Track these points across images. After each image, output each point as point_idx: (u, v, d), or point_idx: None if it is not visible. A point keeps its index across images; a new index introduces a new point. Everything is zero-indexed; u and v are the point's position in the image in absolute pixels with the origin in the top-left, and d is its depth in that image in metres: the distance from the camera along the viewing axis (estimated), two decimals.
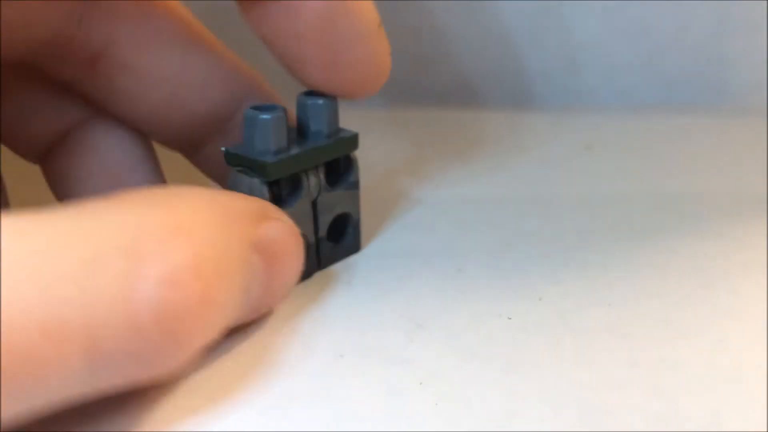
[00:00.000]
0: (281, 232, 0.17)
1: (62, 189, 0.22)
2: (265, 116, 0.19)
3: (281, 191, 0.20)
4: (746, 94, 0.34)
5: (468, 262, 0.21)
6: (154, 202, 0.15)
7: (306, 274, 0.20)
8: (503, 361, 0.17)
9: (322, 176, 0.20)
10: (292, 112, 0.21)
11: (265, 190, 0.19)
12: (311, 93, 0.20)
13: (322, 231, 0.21)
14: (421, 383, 0.16)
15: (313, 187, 0.20)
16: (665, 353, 0.17)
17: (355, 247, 0.22)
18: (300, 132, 0.20)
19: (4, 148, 0.22)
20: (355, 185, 0.22)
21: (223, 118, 0.21)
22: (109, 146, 0.21)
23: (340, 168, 0.21)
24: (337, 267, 0.22)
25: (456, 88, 0.36)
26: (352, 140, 0.21)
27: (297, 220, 0.19)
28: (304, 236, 0.19)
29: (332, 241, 0.22)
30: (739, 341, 0.18)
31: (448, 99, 0.36)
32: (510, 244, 0.23)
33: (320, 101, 0.20)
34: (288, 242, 0.17)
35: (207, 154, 0.22)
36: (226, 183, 0.20)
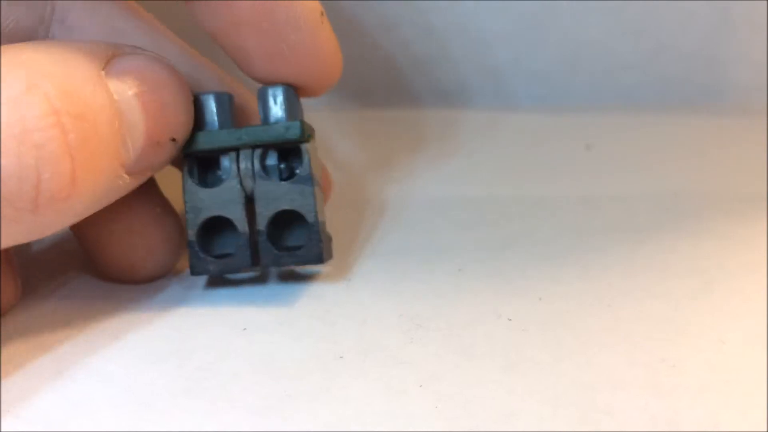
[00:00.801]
0: (141, 60, 0.18)
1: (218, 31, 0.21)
2: (204, 95, 0.19)
3: (206, 170, 0.20)
4: (746, 94, 0.34)
5: (468, 261, 0.21)
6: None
7: (236, 266, 0.19)
8: (503, 361, 0.17)
9: (257, 163, 0.19)
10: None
11: (186, 165, 0.19)
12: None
13: (261, 224, 0.19)
14: (420, 385, 0.16)
15: (244, 172, 0.19)
16: (665, 353, 0.17)
17: (315, 257, 0.19)
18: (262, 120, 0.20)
19: None
20: (306, 181, 0.19)
21: None
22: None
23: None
24: (337, 266, 0.21)
25: (455, 88, 0.35)
26: (292, 127, 0.19)
27: (221, 202, 0.19)
28: (235, 223, 0.19)
29: (283, 244, 0.20)
30: (739, 341, 0.18)
31: (448, 99, 0.36)
32: (510, 243, 0.23)
33: (276, 87, 0.20)
34: (154, 68, 0.18)
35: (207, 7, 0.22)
36: (227, 43, 0.20)
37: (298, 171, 0.19)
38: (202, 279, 0.21)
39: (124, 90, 0.17)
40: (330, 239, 0.20)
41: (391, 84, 0.35)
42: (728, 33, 0.33)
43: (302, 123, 0.19)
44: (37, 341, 0.18)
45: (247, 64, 0.20)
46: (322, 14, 0.20)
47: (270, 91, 0.20)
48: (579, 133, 0.32)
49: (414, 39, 0.34)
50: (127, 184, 0.18)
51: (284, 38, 0.19)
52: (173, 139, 0.18)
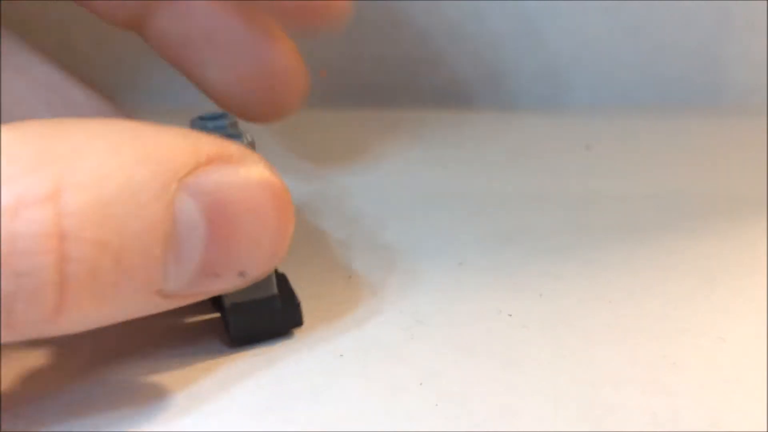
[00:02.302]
0: (236, 176, 0.14)
1: (168, 52, 0.20)
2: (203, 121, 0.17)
3: None
4: (746, 94, 0.34)
5: (469, 258, 0.21)
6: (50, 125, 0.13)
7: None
8: (504, 358, 0.17)
9: None
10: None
11: None
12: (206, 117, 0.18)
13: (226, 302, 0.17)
14: (421, 383, 0.16)
15: None
16: (666, 351, 0.17)
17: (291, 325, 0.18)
18: None
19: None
20: None
21: None
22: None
23: None
24: (337, 263, 0.21)
25: (455, 88, 0.35)
26: None
27: None
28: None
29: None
30: (739, 340, 0.18)
31: (447, 99, 0.36)
32: (510, 240, 0.23)
33: (217, 122, 0.17)
34: (249, 189, 0.14)
35: (156, 28, 0.19)
36: (183, 66, 0.18)
37: None
38: None
39: (192, 210, 0.14)
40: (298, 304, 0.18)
41: (392, 84, 0.35)
42: (728, 33, 0.33)
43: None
44: (37, 341, 0.18)
45: (202, 78, 0.19)
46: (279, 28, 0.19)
47: (209, 125, 0.17)
48: (579, 133, 0.32)
49: (414, 39, 0.34)
50: (164, 305, 0.15)
51: (239, 50, 0.19)
52: (242, 274, 0.15)
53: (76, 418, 0.16)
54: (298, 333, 0.18)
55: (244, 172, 0.14)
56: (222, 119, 0.17)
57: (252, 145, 0.17)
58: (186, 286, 0.14)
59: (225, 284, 0.15)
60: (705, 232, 0.23)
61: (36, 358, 0.18)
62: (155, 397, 0.16)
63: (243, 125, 0.19)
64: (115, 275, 0.13)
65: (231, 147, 0.14)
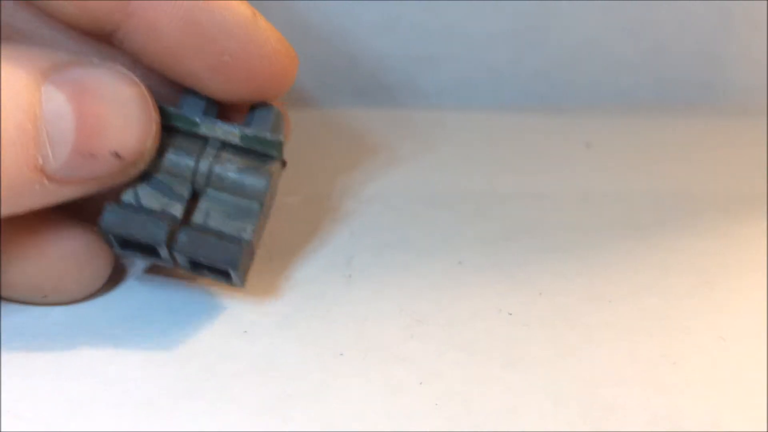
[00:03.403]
0: (96, 71, 0.17)
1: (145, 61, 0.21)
2: (192, 97, 0.19)
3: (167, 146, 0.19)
4: (746, 94, 0.34)
5: (469, 257, 0.21)
6: None
7: (149, 238, 0.18)
8: (503, 357, 0.17)
9: (217, 168, 0.19)
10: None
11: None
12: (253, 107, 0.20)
13: (197, 218, 0.18)
14: (420, 382, 0.16)
15: (203, 165, 0.19)
16: (665, 350, 0.17)
17: (230, 262, 0.18)
18: (245, 124, 0.20)
19: None
20: (257, 198, 0.19)
21: None
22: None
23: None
24: (337, 262, 0.21)
25: (455, 87, 0.35)
26: (275, 144, 0.19)
27: (163, 188, 0.18)
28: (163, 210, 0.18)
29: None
30: (739, 338, 0.18)
31: (447, 99, 0.36)
32: (510, 238, 0.23)
33: (267, 108, 0.19)
34: (108, 80, 0.17)
35: (121, 38, 0.20)
36: (158, 65, 0.19)
37: (254, 184, 0.19)
38: (202, 282, 0.21)
39: (58, 97, 0.17)
40: (251, 259, 0.19)
41: (392, 84, 0.35)
42: (728, 33, 0.33)
43: (283, 141, 0.19)
44: (37, 341, 0.18)
45: (202, 87, 0.20)
46: (254, 14, 0.19)
47: (257, 111, 0.19)
48: (579, 132, 0.32)
49: (414, 39, 0.34)
50: (52, 191, 0.17)
51: (222, 50, 0.19)
52: (117, 155, 0.17)
53: (77, 419, 0.16)
54: (298, 333, 0.18)
55: (104, 68, 0.17)
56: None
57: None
58: (66, 167, 0.17)
59: (102, 165, 0.17)
60: (704, 232, 0.23)
61: (36, 358, 0.18)
62: (155, 396, 0.16)
63: None
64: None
65: (93, 58, 0.18)
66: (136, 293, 0.20)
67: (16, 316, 0.19)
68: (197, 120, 0.19)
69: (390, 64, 0.34)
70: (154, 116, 0.18)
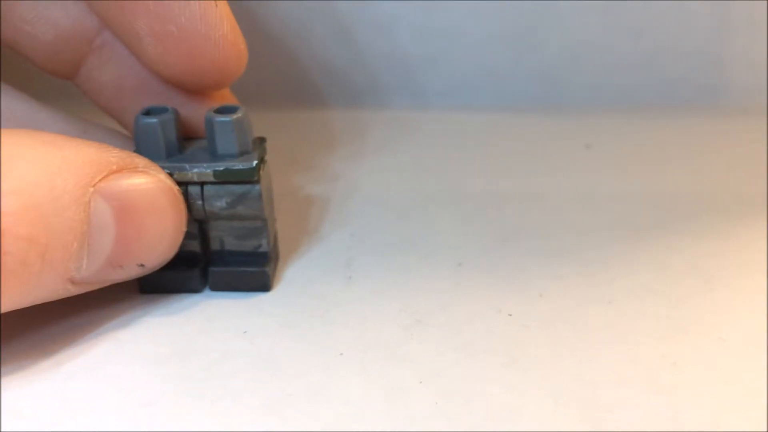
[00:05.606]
0: (142, 183, 0.17)
1: (102, 100, 0.22)
2: (147, 120, 0.19)
3: None
4: (746, 94, 0.34)
5: (469, 258, 0.21)
6: None
7: (186, 289, 0.20)
8: (503, 357, 0.17)
9: (206, 205, 0.19)
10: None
11: None
12: (219, 110, 0.19)
13: (216, 245, 0.20)
14: (420, 382, 0.16)
15: (196, 207, 0.19)
16: (665, 350, 0.17)
17: (261, 286, 0.20)
18: (210, 149, 0.19)
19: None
20: (256, 217, 0.19)
21: (89, 33, 0.21)
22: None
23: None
24: (337, 262, 0.21)
25: (455, 88, 0.35)
26: (245, 171, 0.19)
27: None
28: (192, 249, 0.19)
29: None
30: (739, 340, 0.18)
31: (447, 99, 0.36)
32: (510, 239, 0.23)
33: (225, 118, 0.19)
34: (152, 195, 0.17)
35: (86, 75, 0.21)
36: (113, 109, 0.20)
37: (246, 210, 0.19)
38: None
39: (105, 212, 0.16)
40: (277, 260, 0.21)
41: (392, 83, 0.35)
42: (728, 33, 0.33)
43: (257, 164, 0.19)
44: (37, 341, 0.18)
45: (139, 50, 0.19)
46: None
47: (218, 122, 0.19)
48: (579, 133, 0.32)
49: (414, 39, 0.34)
50: (70, 291, 0.17)
51: (173, 18, 0.19)
52: (142, 265, 0.18)
53: (77, 418, 0.16)
54: (298, 333, 0.18)
55: (148, 178, 0.17)
56: (167, 113, 0.19)
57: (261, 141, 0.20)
58: (93, 275, 0.17)
59: (126, 274, 0.18)
60: (705, 232, 0.23)
61: (36, 358, 0.18)
62: (155, 396, 0.16)
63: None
64: (40, 265, 0.16)
65: (136, 159, 0.17)
66: (137, 293, 0.20)
67: (16, 315, 0.19)
68: (167, 171, 0.18)
69: (390, 64, 0.34)
70: (184, 225, 0.18)
